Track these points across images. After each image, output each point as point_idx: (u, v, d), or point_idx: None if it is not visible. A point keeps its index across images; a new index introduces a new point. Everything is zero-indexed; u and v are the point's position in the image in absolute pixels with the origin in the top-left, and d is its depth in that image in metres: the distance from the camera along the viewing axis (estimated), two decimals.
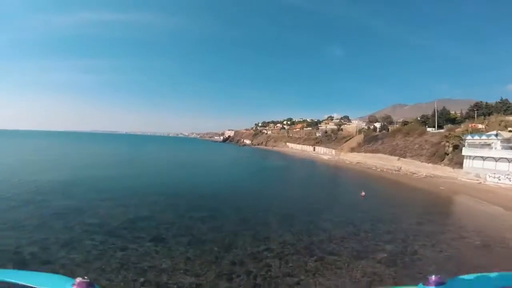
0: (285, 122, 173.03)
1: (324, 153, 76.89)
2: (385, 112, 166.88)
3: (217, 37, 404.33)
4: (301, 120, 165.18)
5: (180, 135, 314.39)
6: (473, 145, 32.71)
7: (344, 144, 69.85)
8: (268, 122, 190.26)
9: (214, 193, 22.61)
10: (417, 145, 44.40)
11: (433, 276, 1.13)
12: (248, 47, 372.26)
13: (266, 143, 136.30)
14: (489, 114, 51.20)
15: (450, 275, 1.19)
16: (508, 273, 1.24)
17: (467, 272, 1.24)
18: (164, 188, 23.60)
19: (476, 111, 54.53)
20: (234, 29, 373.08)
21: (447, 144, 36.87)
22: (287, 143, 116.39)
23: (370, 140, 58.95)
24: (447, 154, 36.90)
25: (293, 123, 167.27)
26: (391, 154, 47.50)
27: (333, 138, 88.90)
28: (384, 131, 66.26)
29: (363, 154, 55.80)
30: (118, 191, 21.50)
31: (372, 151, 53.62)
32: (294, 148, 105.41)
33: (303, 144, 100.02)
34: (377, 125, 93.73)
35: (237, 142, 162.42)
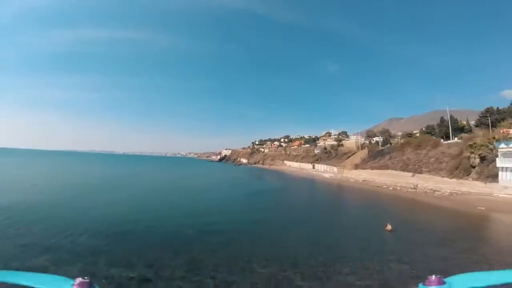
0: (282, 140, 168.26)
1: (324, 171, 70.84)
2: (382, 126, 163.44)
3: (214, 56, 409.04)
4: (299, 137, 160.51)
5: (178, 155, 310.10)
6: (509, 155, 27.06)
7: (347, 160, 64.00)
8: (265, 140, 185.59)
9: (177, 232, 16.04)
10: (433, 159, 38.66)
11: (433, 276, 1.18)
12: (244, 65, 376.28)
13: (263, 161, 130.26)
14: (502, 120, 46.44)
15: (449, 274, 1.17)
16: (507, 270, 1.21)
17: None
18: (133, 222, 17.27)
19: (489, 117, 49.50)
20: (231, 47, 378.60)
21: (472, 155, 31.19)
22: (285, 161, 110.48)
23: (376, 155, 53.20)
24: (474, 167, 31.14)
25: (290, 140, 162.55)
26: (403, 170, 41.55)
27: (333, 155, 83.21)
28: (389, 145, 60.84)
29: (369, 171, 49.80)
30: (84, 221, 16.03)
31: (380, 167, 47.69)
32: (292, 166, 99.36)
33: (302, 162, 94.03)
34: (376, 139, 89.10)
35: (234, 161, 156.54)
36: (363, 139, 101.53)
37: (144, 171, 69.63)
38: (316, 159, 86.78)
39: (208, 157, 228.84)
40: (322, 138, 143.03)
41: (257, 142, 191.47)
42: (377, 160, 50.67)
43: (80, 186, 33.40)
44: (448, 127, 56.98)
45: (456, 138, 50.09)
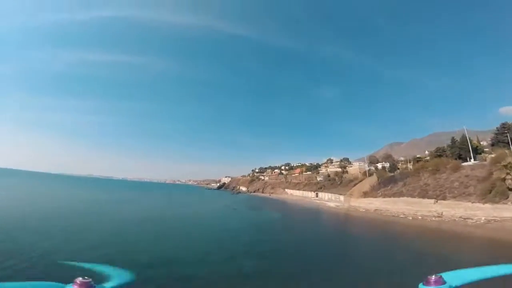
0: (283, 168, 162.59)
1: (329, 199, 64.83)
2: (383, 152, 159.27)
3: (212, 83, 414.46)
4: (300, 164, 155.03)
5: (177, 182, 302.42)
6: None
7: (354, 188, 58.45)
8: (266, 168, 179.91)
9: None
10: (456, 183, 33.50)
11: (433, 276, 1.22)
12: (242, 93, 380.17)
13: (263, 189, 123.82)
14: None
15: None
16: (505, 264, 1.30)
17: None
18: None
19: (507, 134, 45.17)
20: (230, 75, 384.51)
21: (509, 176, 26.29)
22: (286, 189, 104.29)
23: (387, 182, 47.95)
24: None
25: (291, 168, 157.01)
26: (422, 197, 36.13)
27: (338, 182, 77.68)
28: (399, 171, 55.88)
29: (381, 199, 44.23)
30: None
31: (393, 195, 42.25)
32: (294, 194, 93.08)
33: (304, 190, 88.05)
34: (380, 165, 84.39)
35: (233, 189, 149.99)
36: (366, 165, 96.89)
37: (135, 198, 63.31)
38: (319, 187, 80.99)
39: (207, 184, 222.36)
40: (323, 165, 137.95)
41: (257, 170, 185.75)
42: (389, 187, 45.33)
43: (51, 212, 27.68)
44: (460, 148, 52.61)
45: (473, 160, 45.52)
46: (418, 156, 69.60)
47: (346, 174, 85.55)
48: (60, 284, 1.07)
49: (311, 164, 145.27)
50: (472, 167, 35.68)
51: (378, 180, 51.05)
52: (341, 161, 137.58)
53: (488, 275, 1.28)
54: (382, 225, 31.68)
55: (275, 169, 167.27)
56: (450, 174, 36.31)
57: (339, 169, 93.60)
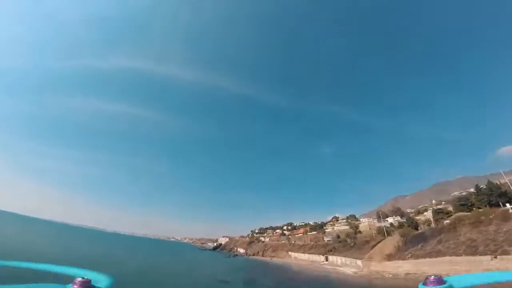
0: (285, 228, 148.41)
1: (343, 264, 53.68)
2: (388, 206, 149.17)
3: (211, 142, 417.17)
4: (303, 224, 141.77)
5: (171, 239, 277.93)
6: None
7: (373, 250, 48.71)
8: (266, 228, 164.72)
9: None
10: None
11: (433, 276, 1.27)
12: (242, 151, 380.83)
13: (263, 253, 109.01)
14: None
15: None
16: (506, 272, 1.29)
17: None
18: None
19: None
20: (229, 133, 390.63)
21: None
22: (290, 252, 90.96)
23: (415, 240, 39.23)
24: None
25: (294, 228, 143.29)
26: (472, 254, 27.58)
27: (350, 244, 66.89)
28: (429, 226, 47.19)
29: (412, 261, 34.95)
30: None
31: (428, 255, 33.30)
32: (299, 258, 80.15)
33: (311, 253, 75.79)
34: (390, 219, 75.30)
35: (230, 250, 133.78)
36: (375, 221, 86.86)
37: (116, 255, 50.95)
38: (329, 250, 69.54)
39: (203, 244, 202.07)
40: (329, 223, 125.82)
41: (256, 231, 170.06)
42: (419, 246, 36.54)
43: None
44: (489, 194, 45.34)
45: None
46: (439, 208, 61.00)
47: (360, 233, 75.22)
48: (60, 286, 1.06)
49: (315, 223, 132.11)
50: None
51: (402, 239, 42.04)
52: (347, 218, 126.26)
53: (493, 280, 1.21)
54: None
55: (276, 229, 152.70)
56: (499, 224, 28.56)
57: (348, 227, 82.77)
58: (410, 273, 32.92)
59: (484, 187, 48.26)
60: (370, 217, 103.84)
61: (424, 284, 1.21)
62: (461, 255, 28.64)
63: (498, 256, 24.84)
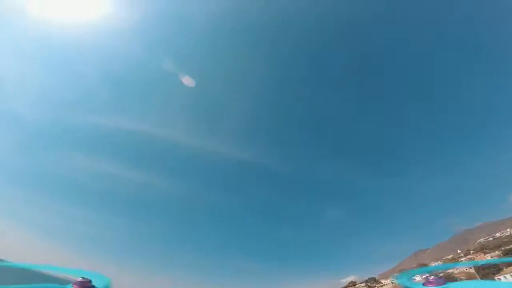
0: None
1: None
2: (408, 262, 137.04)
3: (217, 207, 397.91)
4: None
5: None
6: None
7: None
8: None
9: None
10: None
11: (433, 277, 1.29)
12: (250, 217, 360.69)
13: None
14: None
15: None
16: (505, 282, 1.24)
17: None
18: None
19: None
20: (235, 199, 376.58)
21: None
22: None
23: None
24: None
25: None
26: None
27: None
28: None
29: None
30: None
31: None
32: None
33: None
34: (417, 277, 64.49)
35: None
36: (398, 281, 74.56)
37: None
38: None
39: None
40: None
41: None
42: None
43: None
44: None
45: None
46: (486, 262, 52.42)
47: None
48: (60, 286, 1.10)
49: None
50: None
51: None
52: (366, 281, 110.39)
53: None
54: None
55: None
56: None
57: None
58: None
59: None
60: (388, 278, 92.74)
61: (425, 284, 1.29)
62: None
63: None
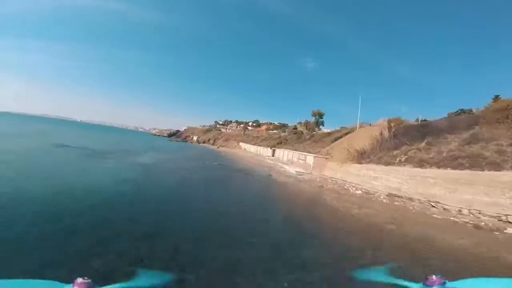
0: (250, 124, 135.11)
1: (289, 160, 39.05)
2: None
3: (195, 35, 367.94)
4: (269, 122, 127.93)
5: (140, 129, 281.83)
6: None
7: (335, 143, 33.09)
8: (231, 121, 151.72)
9: None
10: None
11: (434, 276, 1.24)
12: (224, 49, 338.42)
13: (214, 141, 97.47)
14: None
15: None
16: (507, 278, 1.19)
17: None
18: None
19: None
20: (213, 29, 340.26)
21: None
22: (241, 143, 78.73)
23: (415, 135, 22.47)
24: None
25: (259, 125, 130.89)
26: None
27: (306, 136, 52.62)
28: (451, 113, 31.32)
29: (408, 169, 18.76)
30: None
31: (442, 163, 16.94)
32: (248, 150, 67.81)
33: (260, 145, 62.48)
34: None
35: (185, 138, 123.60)
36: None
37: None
38: (279, 142, 55.67)
39: (167, 133, 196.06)
40: (297, 123, 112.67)
41: (221, 122, 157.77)
42: (424, 143, 19.97)
43: None
44: None
45: None
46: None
47: (322, 126, 61.04)
48: (60, 284, 1.03)
49: (280, 123, 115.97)
50: None
51: (389, 131, 25.18)
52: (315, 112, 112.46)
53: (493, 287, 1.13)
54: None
55: (241, 123, 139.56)
56: None
57: (313, 121, 67.43)
58: (399, 194, 17.38)
59: None
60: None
61: (425, 284, 1.05)
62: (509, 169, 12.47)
63: None
